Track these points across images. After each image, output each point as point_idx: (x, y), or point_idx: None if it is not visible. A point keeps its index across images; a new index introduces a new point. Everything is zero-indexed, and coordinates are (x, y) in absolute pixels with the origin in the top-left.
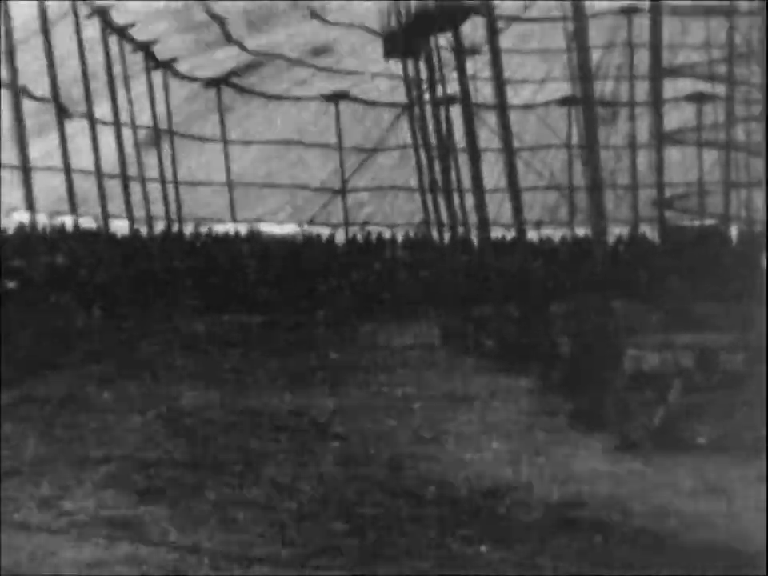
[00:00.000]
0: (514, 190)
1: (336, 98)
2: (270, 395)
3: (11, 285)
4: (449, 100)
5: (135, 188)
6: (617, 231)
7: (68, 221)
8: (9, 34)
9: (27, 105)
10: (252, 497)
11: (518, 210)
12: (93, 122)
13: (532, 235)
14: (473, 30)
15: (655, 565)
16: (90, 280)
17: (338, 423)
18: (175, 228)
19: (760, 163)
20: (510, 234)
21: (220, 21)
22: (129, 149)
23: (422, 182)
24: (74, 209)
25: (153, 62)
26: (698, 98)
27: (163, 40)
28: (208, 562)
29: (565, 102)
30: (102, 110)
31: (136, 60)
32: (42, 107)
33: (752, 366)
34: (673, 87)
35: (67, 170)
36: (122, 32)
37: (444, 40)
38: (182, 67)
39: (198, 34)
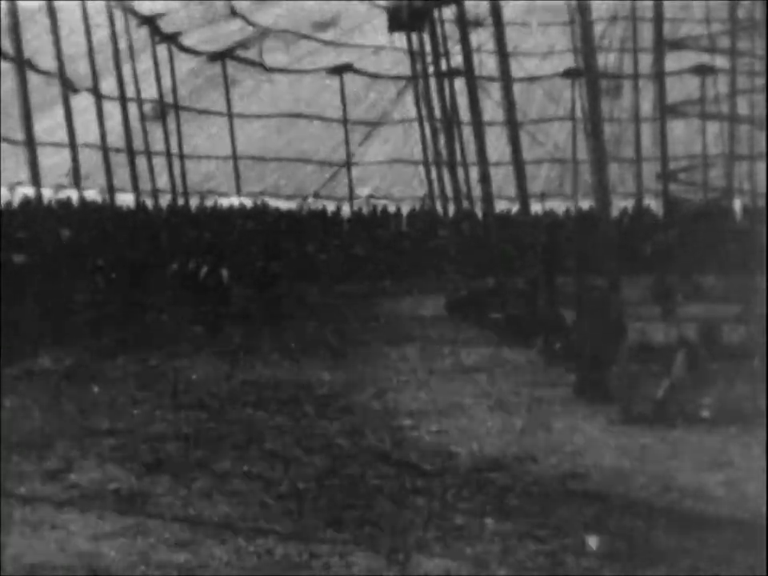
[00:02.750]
0: (518, 162)
1: (340, 70)
2: (275, 368)
3: (18, 259)
4: (453, 73)
5: (141, 162)
6: (622, 204)
7: (73, 194)
8: (14, 8)
9: (33, 79)
10: (256, 469)
11: (521, 182)
12: (98, 95)
13: (536, 208)
14: (476, 2)
15: (658, 537)
16: (95, 253)
17: (342, 396)
18: (181, 201)
19: (763, 136)
20: (515, 207)
21: None
22: (134, 123)
23: (427, 156)
24: (78, 182)
25: (158, 35)
26: (702, 71)
27: (168, 14)
28: (213, 535)
29: (568, 74)
30: (108, 84)
31: (141, 34)
32: (48, 81)
33: (754, 338)
34: (678, 60)
35: (72, 143)
36: (127, 6)
37: (448, 12)
38: (187, 41)
39: (202, 7)
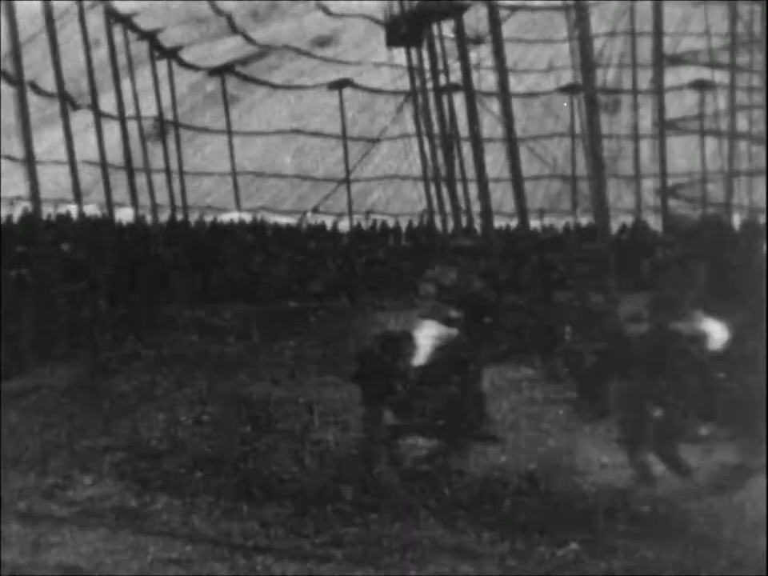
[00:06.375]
0: (517, 178)
1: (340, 86)
2: (272, 385)
3: (17, 273)
4: (452, 88)
5: (141, 178)
6: (621, 220)
7: (73, 209)
8: (14, 30)
9: (35, 99)
10: (254, 487)
11: (520, 198)
12: (98, 112)
13: (535, 224)
14: (476, 18)
15: (657, 555)
16: (94, 268)
17: (339, 412)
18: (180, 217)
19: (761, 151)
20: (513, 223)
21: (224, 13)
22: (134, 139)
23: (426, 171)
24: (78, 197)
25: (158, 51)
26: (701, 86)
27: (167, 30)
28: (212, 552)
29: (567, 90)
30: (108, 100)
31: (141, 50)
32: (49, 100)
33: (753, 355)
34: (676, 75)
35: (72, 160)
36: (127, 21)
37: (447, 29)
38: (187, 57)
39: (202, 24)
